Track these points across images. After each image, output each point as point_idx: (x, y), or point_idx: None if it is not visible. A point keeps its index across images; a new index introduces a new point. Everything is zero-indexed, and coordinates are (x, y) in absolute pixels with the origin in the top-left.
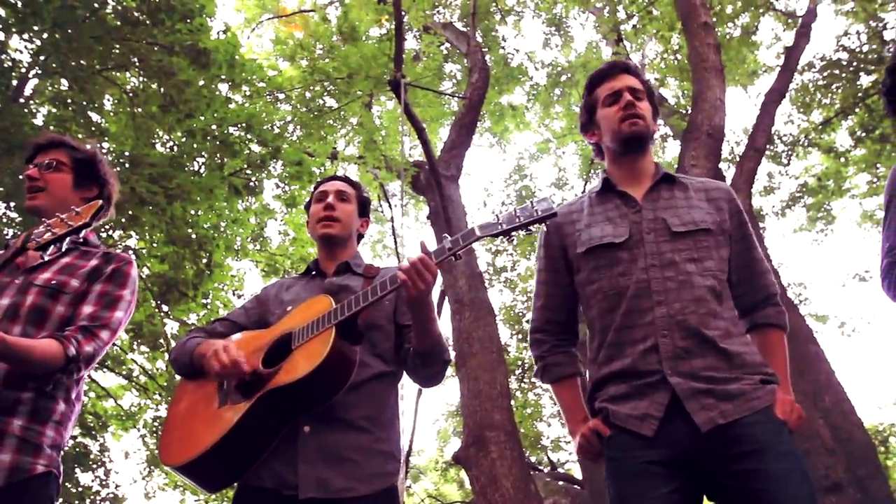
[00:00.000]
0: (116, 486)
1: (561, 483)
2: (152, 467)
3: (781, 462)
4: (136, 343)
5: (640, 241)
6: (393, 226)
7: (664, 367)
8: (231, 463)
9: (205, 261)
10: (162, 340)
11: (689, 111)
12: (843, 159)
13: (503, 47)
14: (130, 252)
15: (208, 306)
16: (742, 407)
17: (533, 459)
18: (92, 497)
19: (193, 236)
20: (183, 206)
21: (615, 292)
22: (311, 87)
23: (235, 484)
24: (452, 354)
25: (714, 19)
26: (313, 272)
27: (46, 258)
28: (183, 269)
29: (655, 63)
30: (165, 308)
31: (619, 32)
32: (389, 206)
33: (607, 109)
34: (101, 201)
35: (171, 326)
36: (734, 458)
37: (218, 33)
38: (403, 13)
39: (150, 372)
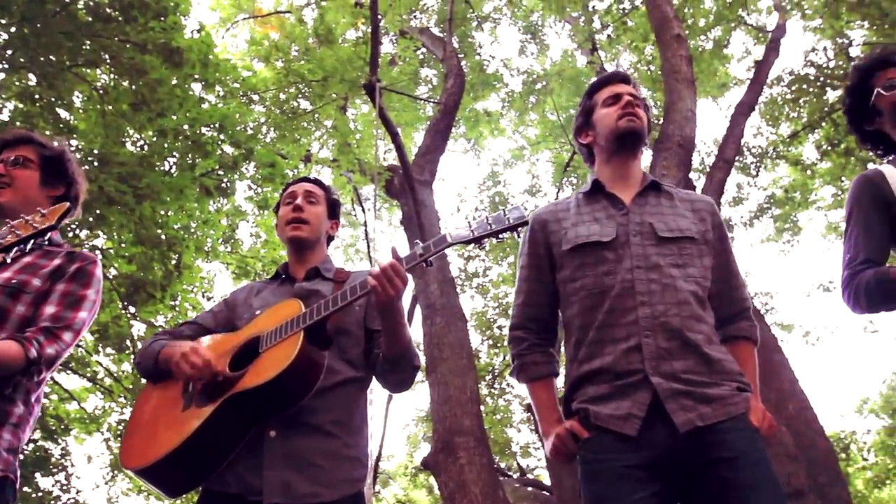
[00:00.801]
0: (78, 492)
1: (530, 489)
2: (115, 472)
3: (755, 470)
4: (101, 345)
5: (626, 243)
6: (366, 230)
7: (646, 366)
8: (193, 467)
9: (174, 262)
10: (128, 342)
11: (661, 121)
12: (809, 172)
13: (479, 53)
14: (97, 252)
15: (176, 308)
16: (720, 411)
17: (502, 465)
18: (52, 502)
19: (163, 237)
20: (152, 207)
21: (599, 291)
22: (286, 89)
23: (199, 488)
24: (423, 360)
25: (686, 32)
26: (283, 276)
27: (9, 261)
28: (151, 269)
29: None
30: (132, 309)
31: (594, 42)
32: (363, 209)
33: (607, 109)
34: (68, 204)
35: (138, 328)
36: (711, 463)
37: (192, 32)
38: (380, 17)
39: (115, 374)
